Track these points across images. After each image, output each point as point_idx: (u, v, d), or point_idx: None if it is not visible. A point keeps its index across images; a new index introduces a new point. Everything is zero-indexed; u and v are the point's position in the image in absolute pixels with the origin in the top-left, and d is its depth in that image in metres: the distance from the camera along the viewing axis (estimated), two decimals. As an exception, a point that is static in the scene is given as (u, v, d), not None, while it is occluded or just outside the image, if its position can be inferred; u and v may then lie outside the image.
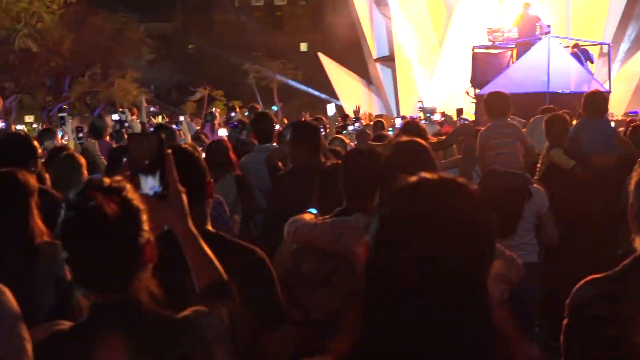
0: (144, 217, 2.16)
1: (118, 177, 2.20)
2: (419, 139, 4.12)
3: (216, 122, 11.87)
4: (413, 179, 1.71)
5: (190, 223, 2.39)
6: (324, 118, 12.11)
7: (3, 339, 2.10)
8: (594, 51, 21.56)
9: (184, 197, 2.38)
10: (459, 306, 1.62)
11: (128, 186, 2.18)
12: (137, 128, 10.13)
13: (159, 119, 12.82)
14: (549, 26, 19.48)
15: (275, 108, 10.68)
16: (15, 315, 2.14)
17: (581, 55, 19.62)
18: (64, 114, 10.55)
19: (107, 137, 10.12)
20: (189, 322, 2.20)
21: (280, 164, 6.56)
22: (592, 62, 20.36)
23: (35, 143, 5.53)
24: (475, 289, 1.64)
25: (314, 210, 4.06)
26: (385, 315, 1.64)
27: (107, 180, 2.18)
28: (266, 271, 3.04)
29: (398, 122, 12.65)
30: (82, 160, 6.16)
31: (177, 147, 2.90)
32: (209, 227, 2.97)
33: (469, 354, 1.62)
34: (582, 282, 2.67)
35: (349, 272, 3.47)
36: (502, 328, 1.66)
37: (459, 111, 15.64)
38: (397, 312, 1.62)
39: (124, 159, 2.47)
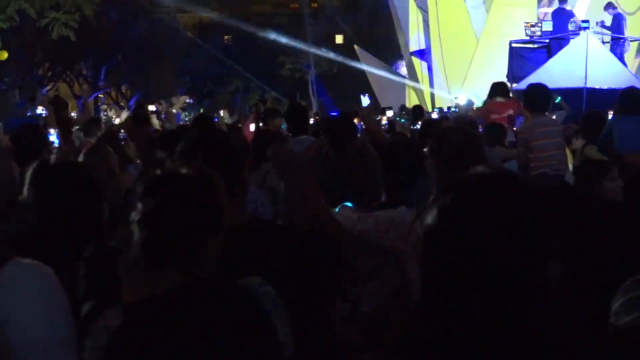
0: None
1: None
2: (468, 128, 4.04)
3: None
4: (471, 173, 1.72)
5: None
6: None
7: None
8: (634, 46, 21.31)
9: None
10: (518, 299, 1.62)
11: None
12: (174, 119, 10.19)
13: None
14: (588, 21, 19.22)
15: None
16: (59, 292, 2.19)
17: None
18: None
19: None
20: (245, 289, 2.17)
21: None
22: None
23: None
24: (536, 282, 1.64)
25: (349, 204, 4.01)
26: (444, 308, 1.64)
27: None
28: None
29: (434, 116, 12.59)
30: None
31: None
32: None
33: (526, 347, 1.62)
34: (630, 281, 2.60)
35: (395, 266, 3.45)
36: (558, 323, 1.66)
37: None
38: (456, 305, 1.62)
39: None
